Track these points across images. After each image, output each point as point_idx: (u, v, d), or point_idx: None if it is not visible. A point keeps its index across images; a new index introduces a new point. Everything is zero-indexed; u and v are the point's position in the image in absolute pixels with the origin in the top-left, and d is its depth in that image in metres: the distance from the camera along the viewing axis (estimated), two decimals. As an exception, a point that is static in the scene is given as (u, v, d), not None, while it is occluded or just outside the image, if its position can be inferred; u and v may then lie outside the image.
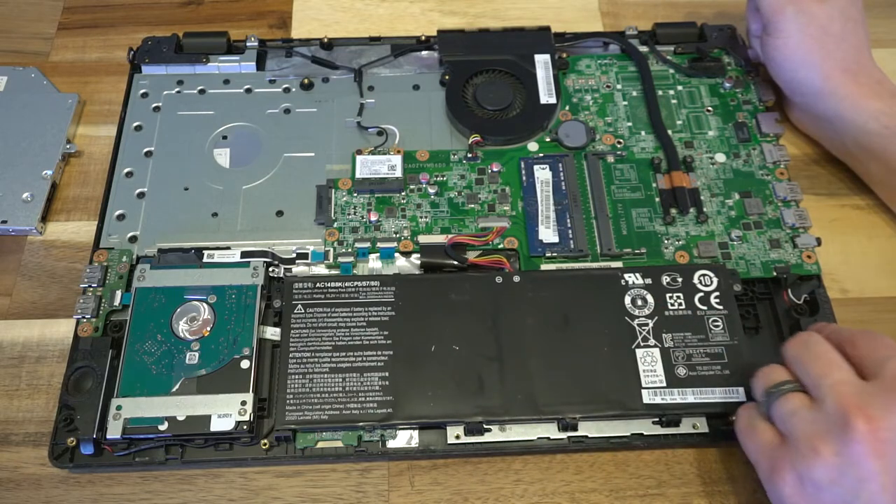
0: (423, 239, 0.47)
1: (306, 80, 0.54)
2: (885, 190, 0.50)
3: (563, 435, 0.41)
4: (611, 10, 0.61)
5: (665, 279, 0.44)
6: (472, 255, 0.46)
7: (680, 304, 0.43)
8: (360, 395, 0.41)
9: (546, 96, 0.53)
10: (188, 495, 0.41)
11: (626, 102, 0.53)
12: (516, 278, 0.44)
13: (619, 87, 0.54)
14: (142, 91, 0.53)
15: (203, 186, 0.49)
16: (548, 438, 0.41)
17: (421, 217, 0.48)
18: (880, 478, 0.32)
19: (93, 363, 0.42)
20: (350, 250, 0.47)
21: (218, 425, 0.40)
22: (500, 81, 0.53)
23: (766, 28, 0.50)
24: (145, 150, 0.51)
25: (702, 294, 0.44)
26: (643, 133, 0.52)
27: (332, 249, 0.47)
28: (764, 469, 0.36)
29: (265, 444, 0.41)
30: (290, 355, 0.41)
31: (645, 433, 0.42)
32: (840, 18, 0.48)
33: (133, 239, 0.47)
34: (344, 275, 0.45)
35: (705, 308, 0.43)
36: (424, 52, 0.56)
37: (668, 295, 0.44)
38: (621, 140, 0.52)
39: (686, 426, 0.42)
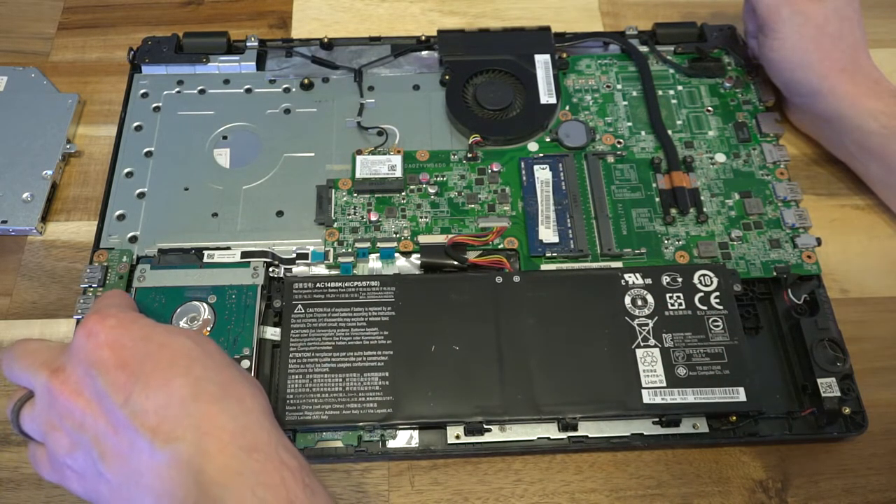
0: (423, 239, 0.47)
1: (306, 80, 0.54)
2: (884, 190, 0.50)
3: (563, 435, 0.41)
4: (611, 10, 0.61)
5: (665, 279, 0.44)
6: (472, 255, 0.46)
7: (680, 304, 0.43)
8: (360, 395, 0.41)
9: (546, 96, 0.53)
10: (188, 495, 0.41)
11: (626, 102, 0.53)
12: (516, 278, 0.44)
13: (619, 87, 0.54)
14: (142, 91, 0.53)
15: (203, 186, 0.49)
16: (548, 438, 0.41)
17: (421, 217, 0.48)
18: (79, 407, 0.33)
19: (93, 363, 0.42)
20: (350, 250, 0.47)
21: (218, 425, 0.40)
22: (500, 81, 0.53)
23: (763, 29, 0.50)
24: (145, 150, 0.51)
25: (702, 294, 0.44)
26: (643, 133, 0.52)
27: (332, 249, 0.47)
28: (56, 481, 0.35)
29: (265, 444, 0.41)
30: (290, 355, 0.41)
31: (645, 433, 0.42)
32: (836, 18, 0.48)
33: (133, 239, 0.47)
34: (344, 275, 0.45)
35: (705, 308, 0.43)
36: (424, 52, 0.56)
37: (668, 295, 0.44)
38: (621, 140, 0.52)
39: (686, 426, 0.42)
